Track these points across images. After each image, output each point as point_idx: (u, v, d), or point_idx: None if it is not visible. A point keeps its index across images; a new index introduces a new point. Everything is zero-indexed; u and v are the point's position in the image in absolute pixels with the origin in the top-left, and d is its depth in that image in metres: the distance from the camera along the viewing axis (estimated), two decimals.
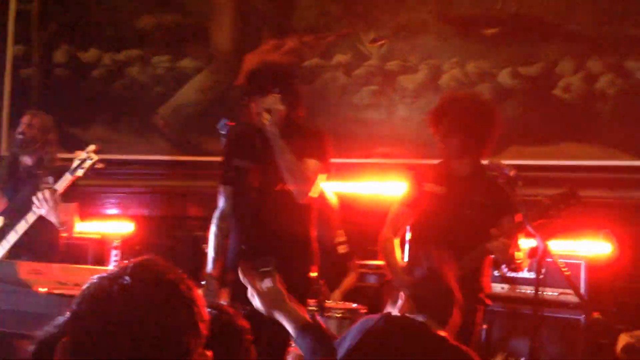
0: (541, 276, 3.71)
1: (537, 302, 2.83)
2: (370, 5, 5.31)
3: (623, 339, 3.72)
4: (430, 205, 3.34)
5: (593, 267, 4.11)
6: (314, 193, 3.09)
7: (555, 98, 4.81)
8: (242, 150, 3.14)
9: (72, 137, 5.74)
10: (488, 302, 3.38)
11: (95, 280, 1.16)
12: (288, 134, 3.06)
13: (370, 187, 5.08)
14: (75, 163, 3.68)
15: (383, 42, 5.26)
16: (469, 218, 3.22)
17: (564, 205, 2.88)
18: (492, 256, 3.24)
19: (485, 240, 3.11)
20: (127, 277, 1.14)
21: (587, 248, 4.27)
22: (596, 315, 2.51)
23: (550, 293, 4.11)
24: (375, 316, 2.37)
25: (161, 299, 1.13)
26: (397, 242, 3.39)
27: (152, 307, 1.12)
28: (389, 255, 3.34)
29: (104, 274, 1.17)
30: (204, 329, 1.16)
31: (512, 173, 3.01)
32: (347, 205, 4.74)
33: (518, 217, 3.14)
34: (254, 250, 2.97)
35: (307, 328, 2.04)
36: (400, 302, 2.38)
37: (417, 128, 4.96)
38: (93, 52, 5.97)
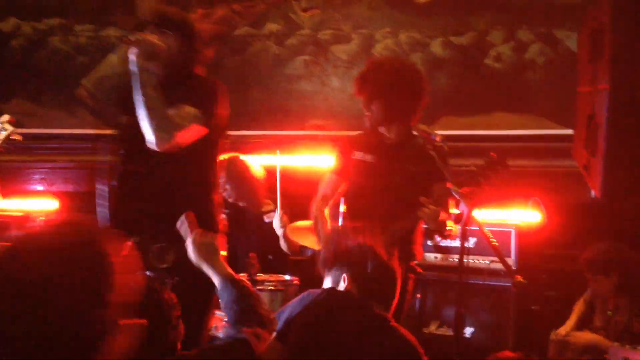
0: (470, 245, 3.78)
1: (462, 269, 2.82)
2: None
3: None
4: (360, 174, 3.30)
5: (522, 235, 4.18)
6: (180, 143, 2.65)
7: (487, 68, 4.83)
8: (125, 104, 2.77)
9: None
10: (419, 270, 3.38)
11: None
12: (174, 81, 2.73)
13: (304, 159, 5.02)
14: None
15: (315, 10, 5.16)
16: (399, 186, 3.20)
17: (492, 172, 2.87)
18: (424, 225, 3.23)
19: (415, 208, 3.09)
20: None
21: (517, 216, 4.33)
22: (519, 278, 2.51)
23: (481, 261, 4.16)
24: (318, 290, 2.33)
25: (81, 256, 1.14)
26: (326, 210, 3.34)
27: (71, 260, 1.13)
28: (319, 227, 3.29)
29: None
30: (126, 294, 1.15)
31: (438, 138, 2.98)
32: (281, 178, 4.67)
33: (447, 185, 3.12)
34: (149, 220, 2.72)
35: (233, 281, 2.02)
36: (343, 284, 2.35)
37: (351, 99, 4.88)
38: (11, 21, 5.65)
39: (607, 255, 3.65)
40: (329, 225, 3.32)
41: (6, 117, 3.51)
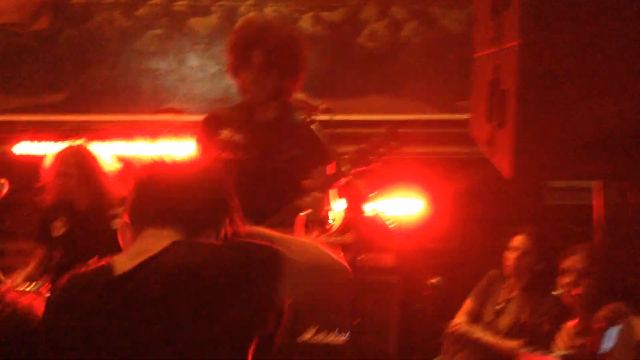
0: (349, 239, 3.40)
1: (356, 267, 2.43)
2: None
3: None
4: (228, 158, 2.76)
5: (405, 228, 3.89)
6: None
7: (360, 47, 4.54)
8: None
9: None
10: None
11: None
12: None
13: (159, 148, 4.46)
14: None
15: None
16: (276, 171, 2.69)
17: (385, 148, 2.46)
18: (303, 214, 2.74)
19: (295, 196, 2.60)
20: None
21: (399, 208, 4.04)
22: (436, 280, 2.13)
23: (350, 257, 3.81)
24: None
25: None
26: None
27: None
28: None
29: None
30: None
31: (322, 108, 2.53)
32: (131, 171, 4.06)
33: (331, 168, 2.68)
34: None
35: None
36: None
37: (212, 79, 4.44)
38: None
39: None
40: None
41: None
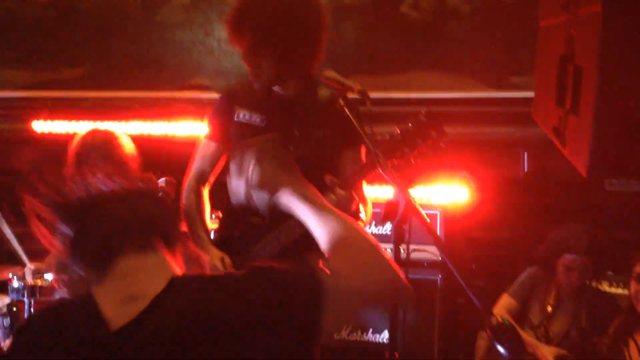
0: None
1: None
2: None
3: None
4: (242, 139, 2.45)
5: (450, 217, 3.61)
6: None
7: (403, 16, 4.26)
8: None
9: None
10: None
11: None
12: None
13: (184, 127, 4.26)
14: None
15: None
16: (300, 157, 2.36)
17: (422, 138, 2.15)
18: None
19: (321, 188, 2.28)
20: None
21: (443, 195, 3.72)
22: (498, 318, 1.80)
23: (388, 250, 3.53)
24: None
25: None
26: (206, 194, 2.48)
27: None
28: (192, 218, 2.42)
29: None
30: None
31: (356, 89, 2.23)
32: (154, 150, 3.87)
33: (364, 153, 2.38)
34: None
35: None
36: None
37: None
38: None
39: (584, 235, 3.18)
40: (205, 217, 2.46)
41: None
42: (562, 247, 3.18)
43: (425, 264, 3.48)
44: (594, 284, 3.30)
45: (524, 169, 3.82)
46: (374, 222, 3.56)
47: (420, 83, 4.22)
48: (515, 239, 3.91)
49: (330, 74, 2.32)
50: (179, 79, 4.40)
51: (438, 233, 3.55)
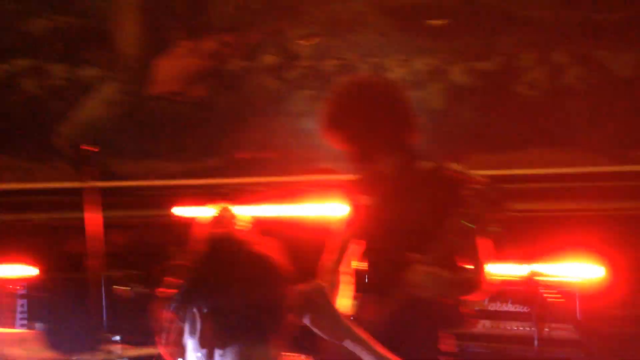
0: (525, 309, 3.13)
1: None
2: None
3: None
4: (363, 222, 2.61)
5: (585, 294, 3.52)
6: None
7: (519, 96, 4.25)
8: None
9: None
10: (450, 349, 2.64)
11: None
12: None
13: (313, 209, 4.45)
14: None
15: (315, 39, 4.66)
16: (400, 232, 2.49)
17: (489, 208, 2.21)
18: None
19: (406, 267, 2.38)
20: None
21: (575, 272, 3.68)
22: None
23: (527, 328, 3.51)
24: None
25: None
26: (344, 279, 2.65)
27: None
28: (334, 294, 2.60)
29: None
30: None
31: (481, 180, 2.31)
32: (285, 231, 4.08)
33: (469, 224, 2.41)
34: None
35: None
36: None
37: None
38: None
39: None
40: (345, 298, 2.63)
41: None
42: None
43: (564, 342, 3.40)
44: None
45: None
46: (510, 300, 3.60)
47: (539, 159, 4.21)
48: None
49: (454, 165, 2.46)
50: (305, 164, 4.61)
51: (576, 310, 3.52)
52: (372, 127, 2.50)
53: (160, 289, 1.38)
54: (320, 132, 2.60)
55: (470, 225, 2.29)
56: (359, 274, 2.66)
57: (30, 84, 5.12)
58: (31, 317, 4.49)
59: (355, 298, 2.60)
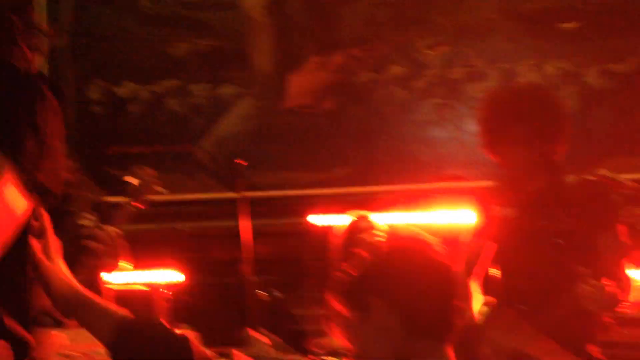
0: None
1: None
2: (423, 8, 4.75)
3: None
4: (499, 235, 2.60)
5: None
6: None
7: None
8: None
9: (114, 178, 5.36)
10: None
11: None
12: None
13: (440, 216, 4.43)
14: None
15: (443, 47, 4.68)
16: (549, 249, 2.46)
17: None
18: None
19: (571, 280, 2.33)
20: None
21: None
22: None
23: None
24: None
25: None
26: (474, 286, 2.68)
27: None
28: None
29: None
30: None
31: (631, 185, 2.26)
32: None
33: (623, 233, 2.36)
34: None
35: None
36: None
37: None
38: (128, 85, 5.57)
39: None
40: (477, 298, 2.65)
41: (151, 170, 3.39)
42: None
43: None
44: None
45: None
46: None
47: None
48: None
49: (602, 171, 2.42)
50: (433, 172, 4.63)
51: None
52: (532, 137, 2.50)
53: (336, 279, 1.48)
54: (478, 139, 2.63)
55: (624, 235, 2.29)
56: (490, 282, 2.68)
57: (174, 103, 5.48)
58: (177, 319, 4.79)
59: (486, 305, 2.62)
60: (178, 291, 4.88)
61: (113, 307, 1.42)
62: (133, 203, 3.35)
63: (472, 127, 4.61)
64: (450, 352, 1.38)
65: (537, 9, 4.54)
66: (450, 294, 1.39)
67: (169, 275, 4.92)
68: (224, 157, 5.31)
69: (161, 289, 4.82)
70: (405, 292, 1.36)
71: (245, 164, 3.70)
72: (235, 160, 3.67)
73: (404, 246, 1.45)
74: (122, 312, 1.41)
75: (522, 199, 2.56)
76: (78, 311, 1.39)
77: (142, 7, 5.51)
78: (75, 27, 5.61)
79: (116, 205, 3.44)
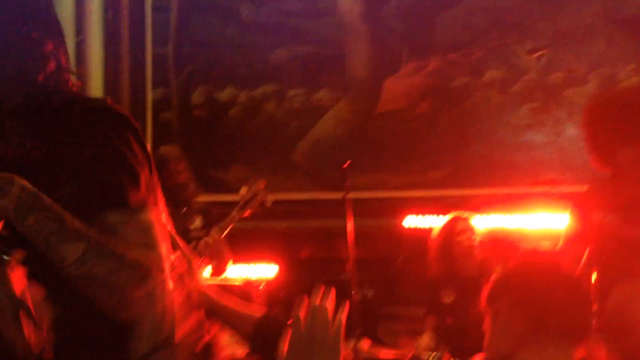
0: None
1: None
2: (522, 13, 4.73)
3: None
4: (600, 242, 2.59)
5: None
6: None
7: None
8: None
9: (214, 179, 5.61)
10: None
11: None
12: None
13: (536, 220, 4.44)
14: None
15: (542, 52, 4.64)
16: None
17: None
18: None
19: None
20: None
21: None
22: None
23: None
24: None
25: None
26: None
27: None
28: None
29: None
30: None
31: None
32: (510, 242, 4.15)
33: None
34: None
35: None
36: None
37: None
38: (229, 90, 5.80)
39: None
40: None
41: (262, 182, 3.60)
42: None
43: None
44: None
45: None
46: None
47: None
48: None
49: None
50: (530, 176, 4.60)
51: None
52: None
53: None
54: (582, 141, 2.64)
55: None
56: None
57: (272, 107, 5.67)
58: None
59: None
60: (270, 285, 5.07)
61: (249, 307, 1.64)
62: (243, 214, 3.56)
63: (569, 131, 4.59)
64: (578, 355, 1.50)
65: (637, 13, 4.46)
66: (579, 301, 1.53)
67: (266, 270, 5.13)
68: (318, 159, 5.46)
69: (258, 286, 5.03)
70: (534, 299, 1.51)
71: (349, 166, 3.83)
72: (344, 166, 3.80)
73: (532, 261, 1.61)
74: (258, 311, 1.63)
75: (623, 202, 2.55)
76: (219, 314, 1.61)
77: (244, 16, 5.73)
78: (179, 36, 5.89)
79: (224, 215, 3.65)
